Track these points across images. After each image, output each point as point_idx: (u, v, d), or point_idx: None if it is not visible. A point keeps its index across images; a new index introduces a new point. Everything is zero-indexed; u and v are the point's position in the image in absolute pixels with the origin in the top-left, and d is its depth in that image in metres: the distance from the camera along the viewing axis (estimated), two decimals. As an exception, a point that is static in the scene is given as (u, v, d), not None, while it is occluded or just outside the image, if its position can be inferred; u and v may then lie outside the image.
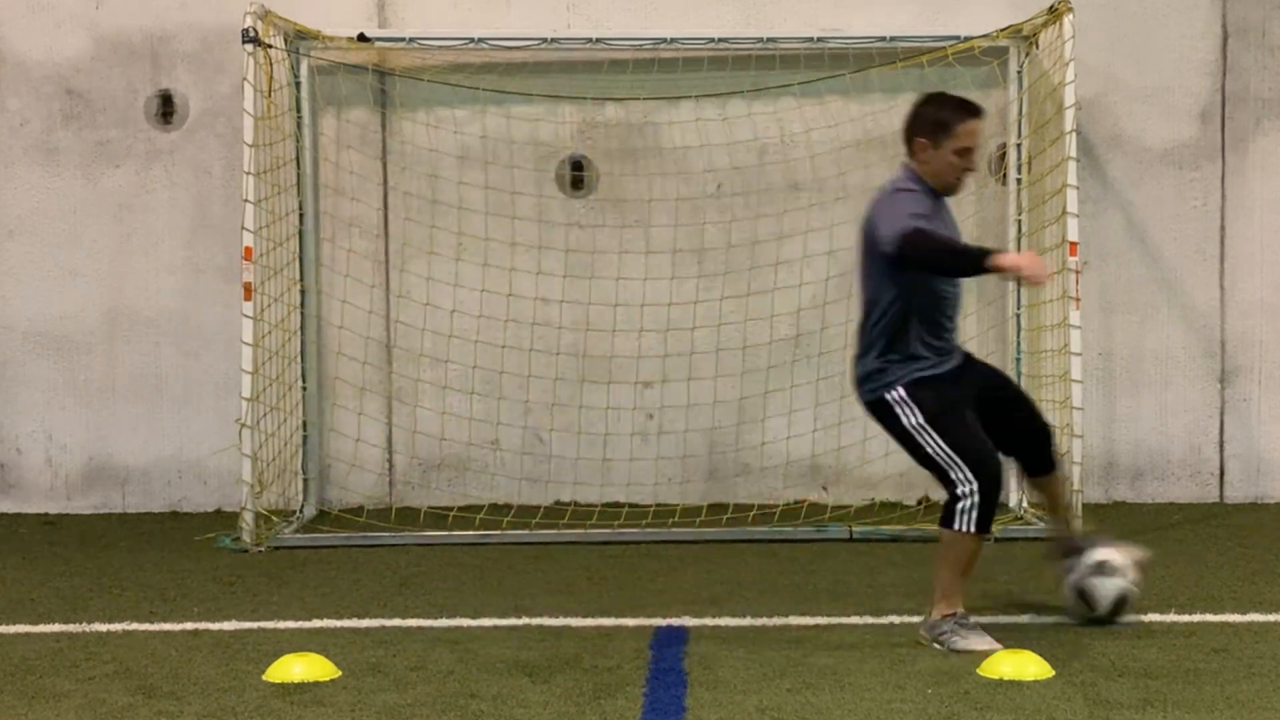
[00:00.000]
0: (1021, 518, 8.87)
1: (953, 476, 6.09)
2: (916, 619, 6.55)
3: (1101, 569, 6.39)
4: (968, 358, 6.46)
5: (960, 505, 6.07)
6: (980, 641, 6.05)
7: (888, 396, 6.20)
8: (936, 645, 6.09)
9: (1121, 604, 6.40)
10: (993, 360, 9.26)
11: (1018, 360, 9.19)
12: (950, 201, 6.43)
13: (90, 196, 9.41)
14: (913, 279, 6.13)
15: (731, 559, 7.95)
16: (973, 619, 6.16)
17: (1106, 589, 6.38)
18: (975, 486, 6.04)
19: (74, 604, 7.04)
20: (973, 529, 6.07)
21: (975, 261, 5.97)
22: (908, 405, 6.17)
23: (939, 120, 6.24)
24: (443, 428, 9.34)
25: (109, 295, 9.43)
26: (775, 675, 5.71)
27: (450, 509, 9.08)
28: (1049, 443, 6.50)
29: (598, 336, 9.34)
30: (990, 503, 6.07)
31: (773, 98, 9.25)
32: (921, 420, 6.14)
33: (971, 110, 6.28)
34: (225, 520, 8.91)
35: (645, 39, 9.15)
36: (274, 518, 8.61)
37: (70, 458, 9.47)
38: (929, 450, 6.13)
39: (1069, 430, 8.39)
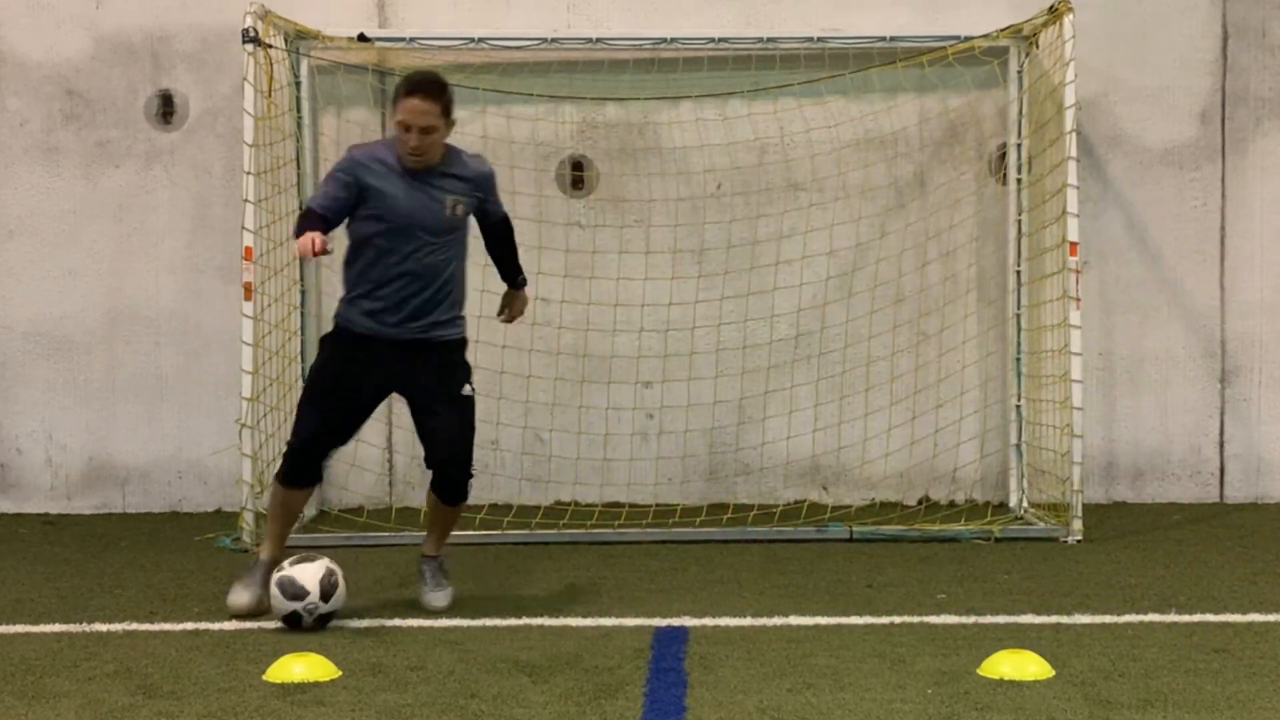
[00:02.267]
0: (1021, 518, 8.87)
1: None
2: (916, 619, 6.57)
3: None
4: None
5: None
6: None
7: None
8: None
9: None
10: (993, 360, 9.33)
11: (1018, 360, 9.19)
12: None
13: (90, 196, 9.41)
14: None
15: (731, 559, 7.95)
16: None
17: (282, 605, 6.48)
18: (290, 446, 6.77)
19: (74, 604, 7.03)
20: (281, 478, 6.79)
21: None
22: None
23: (395, 90, 6.66)
24: (443, 428, 9.32)
25: (109, 295, 9.43)
26: (775, 675, 5.71)
27: (450, 509, 9.07)
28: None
29: (598, 336, 9.34)
30: (292, 460, 6.73)
31: (773, 98, 9.25)
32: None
33: (411, 88, 6.55)
34: (225, 520, 8.91)
35: (645, 39, 9.15)
36: (274, 518, 8.59)
37: (70, 458, 9.48)
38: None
39: (1069, 430, 8.40)
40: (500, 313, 7.26)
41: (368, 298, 6.68)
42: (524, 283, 7.21)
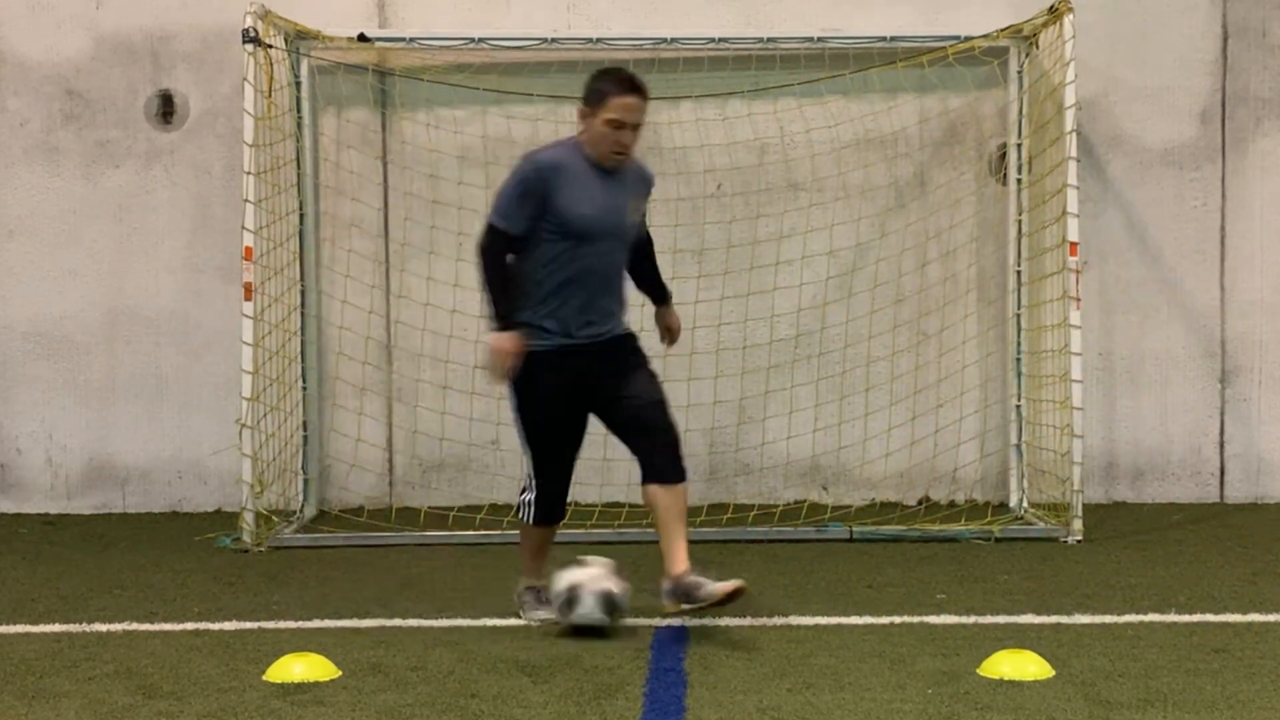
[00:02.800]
0: (1021, 518, 8.87)
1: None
2: (916, 619, 6.57)
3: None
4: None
5: (523, 497, 6.57)
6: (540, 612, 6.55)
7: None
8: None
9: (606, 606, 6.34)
10: (993, 360, 9.33)
11: (1018, 360, 9.19)
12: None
13: (90, 196, 9.41)
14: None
15: (731, 559, 7.94)
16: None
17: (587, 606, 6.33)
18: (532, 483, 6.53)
19: (74, 604, 7.03)
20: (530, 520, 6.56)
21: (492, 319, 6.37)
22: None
23: (595, 88, 6.40)
24: (443, 428, 9.33)
25: (109, 295, 9.43)
26: (775, 675, 5.71)
27: (450, 509, 9.08)
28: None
29: (598, 336, 9.33)
30: (540, 499, 6.52)
31: (773, 98, 9.24)
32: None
33: (628, 85, 6.36)
34: (225, 520, 8.91)
35: (645, 39, 9.15)
36: (274, 518, 8.61)
37: (70, 458, 9.48)
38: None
39: (1069, 430, 8.40)
40: (662, 338, 6.89)
41: (550, 305, 6.36)
42: (669, 299, 6.87)
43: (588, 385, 6.42)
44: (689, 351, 9.33)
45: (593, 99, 6.37)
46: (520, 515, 6.60)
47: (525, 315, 6.36)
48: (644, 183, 6.63)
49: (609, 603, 6.31)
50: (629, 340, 6.57)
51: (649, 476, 6.33)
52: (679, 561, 6.25)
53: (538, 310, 6.37)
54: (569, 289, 6.35)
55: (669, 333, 6.90)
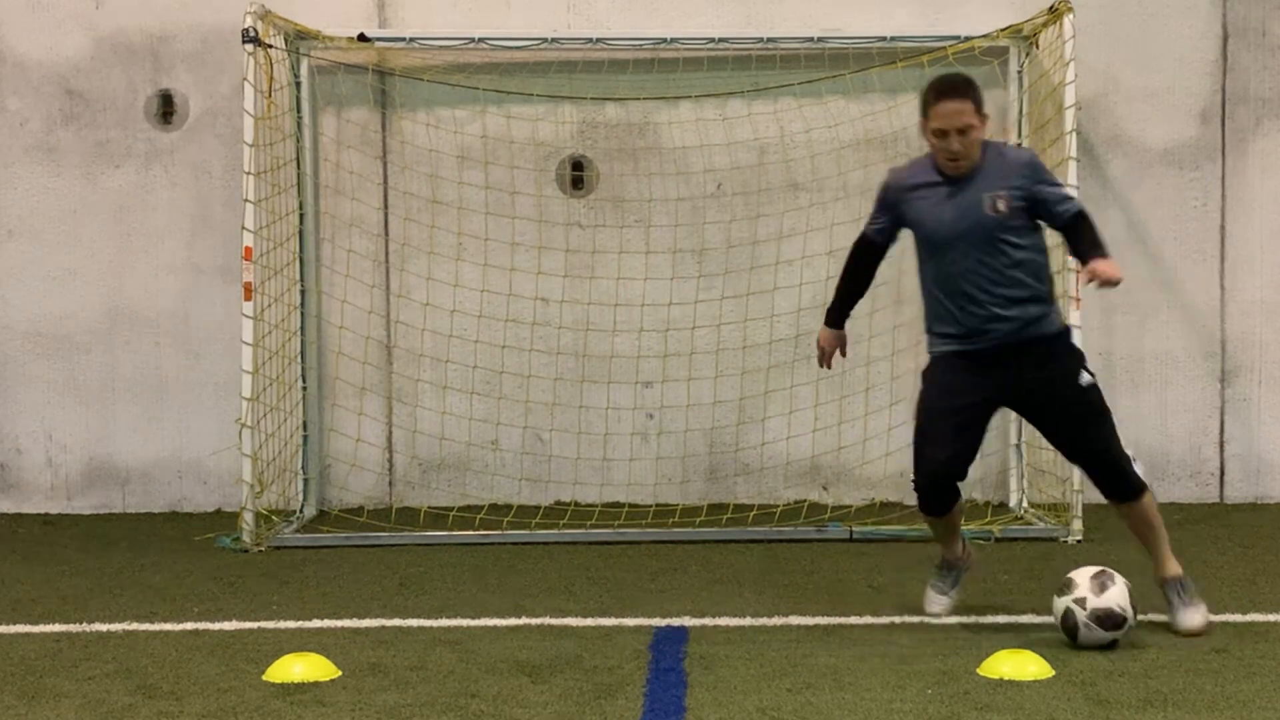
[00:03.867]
0: (1021, 517, 8.87)
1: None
2: (916, 619, 6.56)
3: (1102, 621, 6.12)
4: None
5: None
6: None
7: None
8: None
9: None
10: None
11: (1018, 360, 9.18)
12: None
13: (90, 196, 9.41)
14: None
15: (731, 559, 7.95)
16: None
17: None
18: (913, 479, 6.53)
19: (74, 604, 7.04)
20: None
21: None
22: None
23: (922, 100, 6.39)
24: (443, 428, 9.34)
25: (109, 295, 9.43)
26: (775, 675, 5.71)
27: (450, 509, 9.08)
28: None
29: (598, 336, 9.34)
30: (922, 494, 6.49)
31: (773, 98, 9.25)
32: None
33: (941, 91, 6.31)
34: (225, 520, 8.91)
35: (645, 39, 9.15)
36: (274, 518, 8.61)
37: (70, 458, 9.48)
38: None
39: (1069, 430, 8.39)
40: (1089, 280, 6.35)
41: (940, 320, 6.42)
42: (1100, 253, 6.28)
43: (993, 386, 6.46)
44: (689, 351, 9.34)
45: (921, 110, 6.37)
46: None
47: (927, 327, 6.59)
48: (1005, 171, 6.31)
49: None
50: (1051, 341, 6.43)
51: (1103, 493, 6.58)
52: (1159, 565, 6.59)
53: (931, 325, 6.53)
54: (947, 302, 6.40)
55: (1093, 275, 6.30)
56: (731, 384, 9.39)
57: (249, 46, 8.34)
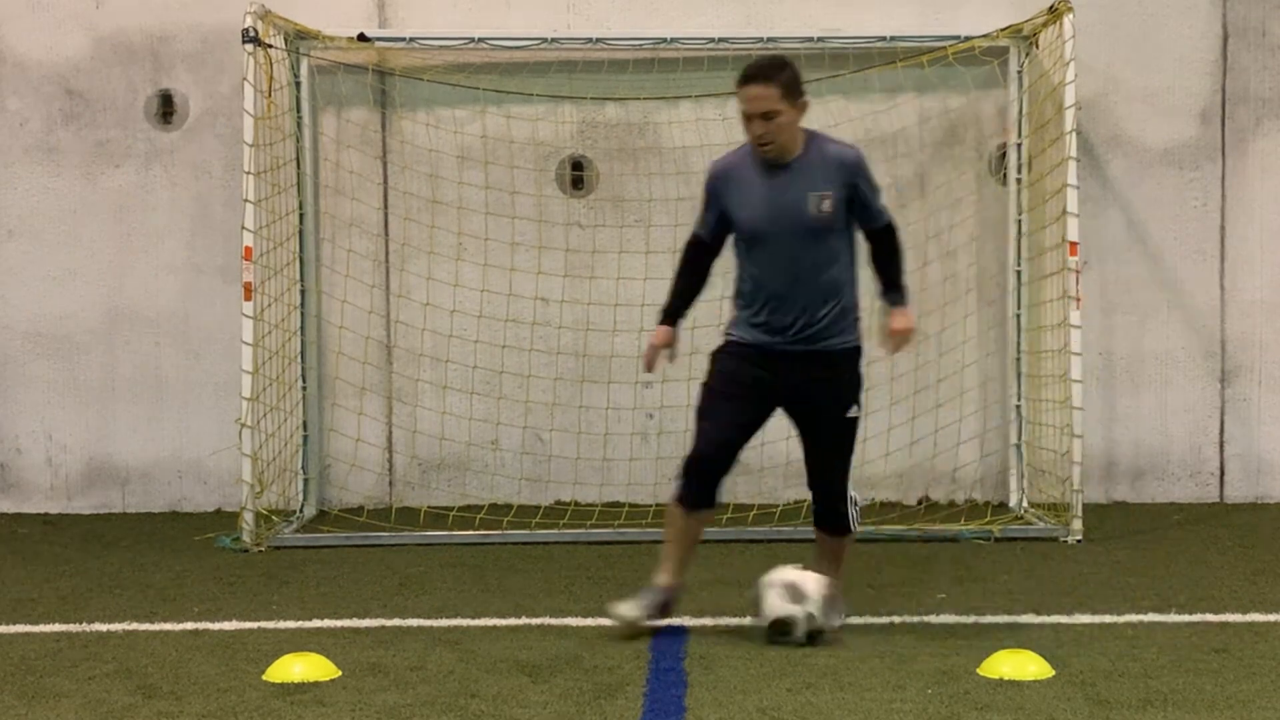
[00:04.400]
0: (1021, 517, 8.87)
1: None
2: (916, 619, 6.56)
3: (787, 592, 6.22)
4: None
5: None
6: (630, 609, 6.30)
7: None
8: None
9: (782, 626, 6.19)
10: (993, 360, 9.33)
11: (1018, 360, 9.19)
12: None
13: (90, 196, 9.41)
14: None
15: (731, 559, 7.94)
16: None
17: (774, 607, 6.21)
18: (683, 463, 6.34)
19: (74, 604, 7.04)
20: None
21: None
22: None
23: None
24: (443, 428, 9.34)
25: (109, 295, 9.43)
26: (775, 675, 5.71)
27: (450, 509, 9.08)
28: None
29: (598, 336, 9.34)
30: (687, 479, 6.31)
31: (773, 98, 9.23)
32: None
33: (746, 75, 6.19)
34: (225, 520, 8.91)
35: (645, 39, 9.15)
36: (274, 518, 8.61)
37: (70, 458, 9.48)
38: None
39: (1069, 430, 8.40)
40: (879, 338, 6.44)
41: (745, 308, 6.30)
42: (900, 300, 6.36)
43: (780, 387, 6.35)
44: (689, 351, 9.30)
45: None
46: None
47: (734, 314, 6.42)
48: (829, 169, 6.18)
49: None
50: (839, 360, 6.33)
51: (814, 518, 6.64)
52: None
53: (739, 312, 6.38)
54: (758, 295, 6.26)
55: (886, 340, 6.40)
56: (731, 384, 9.37)
57: (249, 46, 8.34)
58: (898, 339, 6.35)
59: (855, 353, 6.36)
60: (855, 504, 6.50)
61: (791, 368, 6.26)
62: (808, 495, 9.32)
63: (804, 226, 6.15)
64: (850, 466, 6.42)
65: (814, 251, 6.18)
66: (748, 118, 6.16)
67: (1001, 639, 6.10)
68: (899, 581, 7.36)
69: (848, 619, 6.56)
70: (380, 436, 9.42)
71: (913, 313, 6.45)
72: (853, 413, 6.34)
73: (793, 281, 6.19)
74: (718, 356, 6.40)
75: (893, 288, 6.38)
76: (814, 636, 6.16)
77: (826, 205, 6.15)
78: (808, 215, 6.15)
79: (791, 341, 6.24)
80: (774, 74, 6.14)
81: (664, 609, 6.35)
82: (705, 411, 6.34)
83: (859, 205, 6.25)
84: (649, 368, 6.50)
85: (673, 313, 6.49)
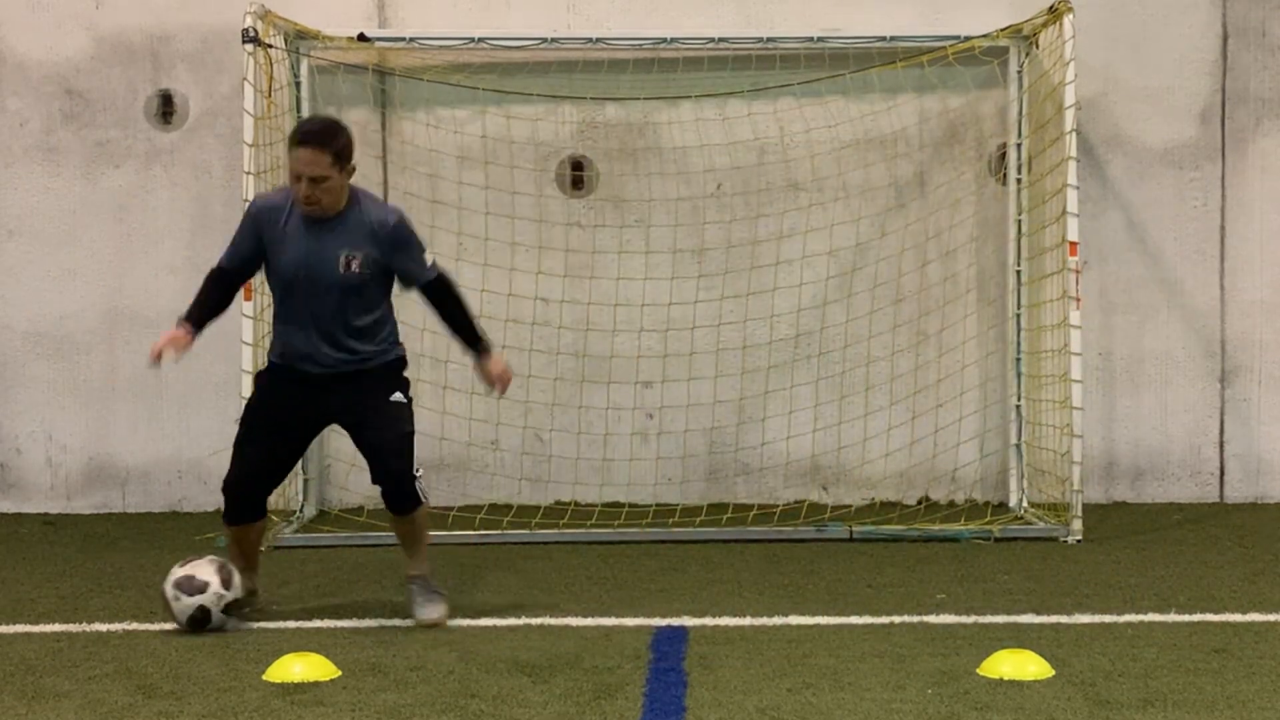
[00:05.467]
0: (1021, 517, 8.87)
1: None
2: (916, 619, 6.56)
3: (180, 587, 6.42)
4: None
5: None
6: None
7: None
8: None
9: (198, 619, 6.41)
10: (993, 360, 9.33)
11: (1018, 360, 9.19)
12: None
13: (90, 196, 9.41)
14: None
15: (731, 559, 7.95)
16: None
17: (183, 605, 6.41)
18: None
19: (74, 604, 7.03)
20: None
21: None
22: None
23: (288, 138, 6.54)
24: (443, 428, 9.33)
25: (109, 295, 9.43)
26: (775, 675, 5.71)
27: (450, 509, 9.07)
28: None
29: (598, 336, 9.34)
30: (229, 495, 6.66)
31: (773, 98, 9.24)
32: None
33: (300, 137, 6.37)
34: (225, 520, 8.90)
35: (645, 39, 9.15)
36: (274, 518, 8.60)
37: (70, 458, 9.47)
38: None
39: (1069, 430, 8.40)
40: (484, 388, 6.83)
41: (280, 337, 6.61)
42: (486, 349, 6.68)
43: (322, 407, 6.66)
44: (689, 351, 9.34)
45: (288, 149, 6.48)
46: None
47: (273, 338, 6.75)
48: (365, 232, 6.42)
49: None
50: (379, 372, 6.63)
51: (384, 501, 6.75)
52: (412, 565, 6.72)
53: (276, 339, 6.70)
54: (292, 334, 6.52)
55: (491, 385, 6.74)
56: (731, 384, 9.39)
57: (249, 46, 8.34)
58: (502, 381, 6.69)
59: (397, 363, 6.70)
60: (419, 478, 6.70)
61: (328, 385, 6.54)
62: (808, 495, 9.47)
63: (333, 282, 6.40)
64: (413, 446, 6.66)
65: (343, 309, 6.45)
66: (296, 177, 6.32)
67: (1001, 639, 6.10)
68: (899, 581, 7.36)
69: (847, 619, 6.56)
70: (380, 436, 9.40)
71: (501, 356, 6.78)
72: (397, 398, 6.62)
73: (320, 330, 6.46)
74: (262, 379, 6.77)
75: (472, 342, 6.69)
76: (231, 609, 6.44)
77: (355, 265, 6.40)
78: (337, 273, 6.39)
79: (321, 368, 6.52)
80: (328, 141, 6.33)
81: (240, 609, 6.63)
82: (246, 436, 6.67)
83: (398, 267, 6.52)
84: (156, 359, 6.62)
85: (197, 322, 6.68)
